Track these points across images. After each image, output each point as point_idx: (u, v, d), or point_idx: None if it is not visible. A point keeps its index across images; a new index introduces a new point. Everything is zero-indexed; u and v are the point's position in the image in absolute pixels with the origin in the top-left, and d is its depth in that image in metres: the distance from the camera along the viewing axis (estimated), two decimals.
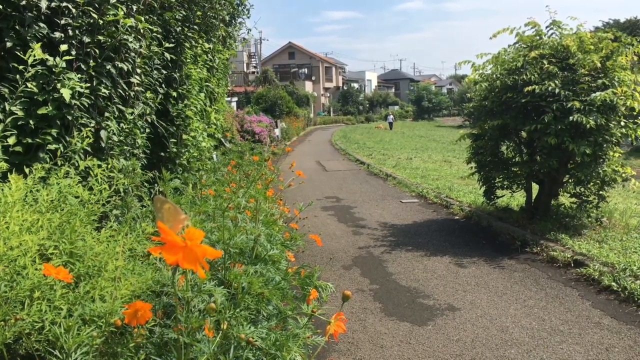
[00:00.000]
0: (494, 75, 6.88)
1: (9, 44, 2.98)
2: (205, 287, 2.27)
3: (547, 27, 6.90)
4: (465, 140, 7.85)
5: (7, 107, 2.71)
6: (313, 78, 52.43)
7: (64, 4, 3.33)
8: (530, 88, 6.10)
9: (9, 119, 2.64)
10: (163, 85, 5.40)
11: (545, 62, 6.34)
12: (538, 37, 6.84)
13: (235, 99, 27.03)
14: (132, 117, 4.14)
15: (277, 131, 24.09)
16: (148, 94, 4.72)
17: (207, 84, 7.00)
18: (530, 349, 3.63)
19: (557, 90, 5.99)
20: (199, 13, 6.34)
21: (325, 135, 32.15)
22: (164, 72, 5.43)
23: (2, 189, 2.08)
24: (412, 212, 8.61)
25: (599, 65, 6.10)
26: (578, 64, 6.23)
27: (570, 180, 6.79)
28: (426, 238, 6.83)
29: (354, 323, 4.13)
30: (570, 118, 5.82)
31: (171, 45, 5.43)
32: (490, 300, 4.58)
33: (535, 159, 6.68)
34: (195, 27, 6.20)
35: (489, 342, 3.76)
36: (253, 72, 45.25)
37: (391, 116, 41.35)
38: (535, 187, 7.20)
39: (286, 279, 2.93)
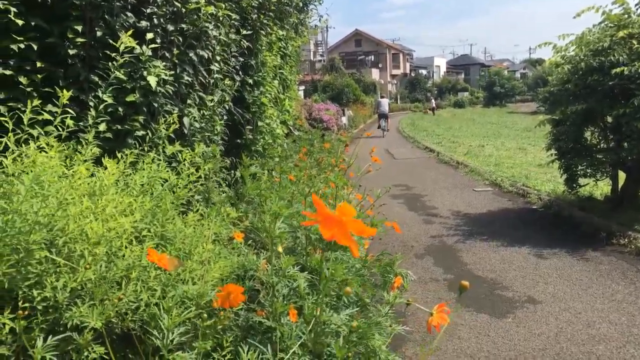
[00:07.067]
0: (578, 57, 6.50)
1: (99, 33, 3.09)
2: (289, 272, 2.28)
3: (636, 5, 6.44)
4: (544, 127, 7.51)
5: (100, 95, 2.81)
6: (380, 65, 51.94)
7: None
8: (618, 70, 5.73)
9: (101, 106, 2.74)
10: (240, 73, 5.48)
11: (634, 42, 5.93)
12: (626, 16, 6.39)
13: (303, 87, 27.19)
14: (211, 104, 4.22)
15: (344, 119, 24.06)
16: (226, 81, 4.80)
17: (280, 71, 7.05)
18: (620, 345, 3.44)
19: None
20: (273, 0, 6.38)
21: (392, 123, 31.74)
22: (241, 59, 5.51)
23: (99, 172, 2.16)
24: (486, 201, 8.36)
25: None
26: None
27: None
28: (502, 227, 6.61)
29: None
30: None
31: (248, 32, 5.48)
32: (574, 293, 4.38)
33: (622, 146, 6.29)
34: (270, 14, 6.24)
35: (574, 337, 3.59)
36: (320, 61, 45.40)
37: (433, 101, 46.77)
38: (621, 176, 6.79)
39: (366, 265, 2.91)
